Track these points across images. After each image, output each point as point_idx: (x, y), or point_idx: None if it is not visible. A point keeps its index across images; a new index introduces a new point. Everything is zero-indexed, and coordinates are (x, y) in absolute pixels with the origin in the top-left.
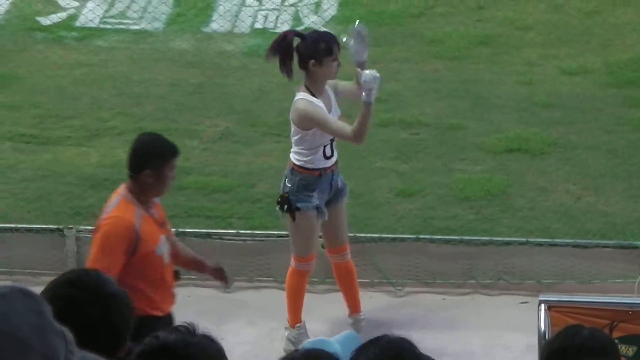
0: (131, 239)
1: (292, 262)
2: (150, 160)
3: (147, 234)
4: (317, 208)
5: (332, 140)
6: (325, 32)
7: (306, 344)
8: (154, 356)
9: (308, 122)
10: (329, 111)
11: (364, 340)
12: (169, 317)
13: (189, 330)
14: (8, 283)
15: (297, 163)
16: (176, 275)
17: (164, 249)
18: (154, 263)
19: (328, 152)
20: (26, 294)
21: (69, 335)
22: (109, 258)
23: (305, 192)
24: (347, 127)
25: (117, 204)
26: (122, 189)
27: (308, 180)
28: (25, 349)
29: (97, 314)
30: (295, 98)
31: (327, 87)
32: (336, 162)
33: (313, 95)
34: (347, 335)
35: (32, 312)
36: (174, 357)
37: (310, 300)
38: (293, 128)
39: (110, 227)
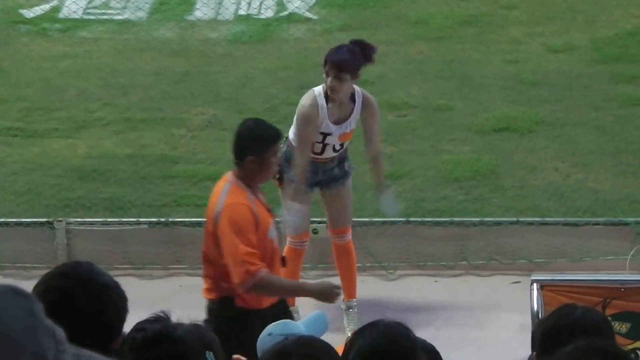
0: (253, 221)
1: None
2: (253, 147)
3: (261, 217)
4: (312, 186)
5: (325, 144)
6: (331, 49)
7: (270, 327)
8: (148, 348)
9: (296, 114)
10: (336, 120)
11: (328, 320)
12: (276, 307)
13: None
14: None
15: (290, 136)
16: (283, 262)
17: (274, 233)
18: (266, 246)
19: (317, 149)
20: (18, 293)
21: (60, 334)
22: (247, 239)
23: (288, 165)
24: (297, 163)
25: (228, 191)
26: (229, 176)
27: (292, 156)
28: (16, 349)
29: (90, 304)
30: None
31: (358, 102)
32: (333, 158)
33: (326, 97)
34: (315, 316)
35: (23, 312)
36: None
37: None
38: None
39: (232, 213)
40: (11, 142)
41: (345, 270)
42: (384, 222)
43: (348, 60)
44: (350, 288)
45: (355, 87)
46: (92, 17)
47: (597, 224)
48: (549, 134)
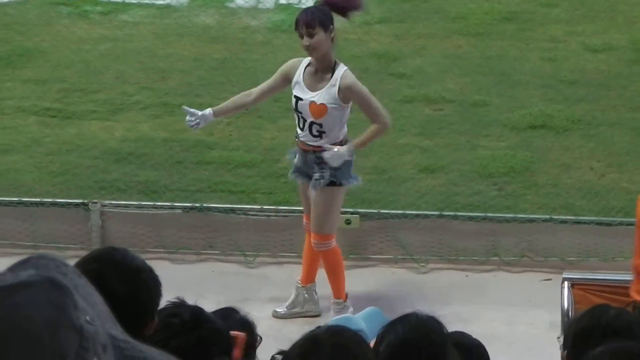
0: None
1: None
2: None
3: None
4: (293, 175)
5: (299, 113)
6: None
7: (331, 321)
8: (191, 331)
9: None
10: (308, 85)
11: (388, 316)
12: None
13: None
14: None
15: None
16: None
17: None
18: None
19: (297, 122)
20: (54, 284)
21: (89, 330)
22: None
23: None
24: (251, 91)
25: None
26: None
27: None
28: (31, 342)
29: (124, 287)
30: None
31: (335, 76)
32: (314, 150)
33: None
34: (371, 311)
35: (51, 305)
36: (210, 324)
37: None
38: None
39: None
40: (49, 123)
41: (328, 273)
42: (417, 215)
43: (315, 14)
44: (334, 289)
45: (341, 64)
46: (133, 1)
47: (630, 224)
48: (584, 133)
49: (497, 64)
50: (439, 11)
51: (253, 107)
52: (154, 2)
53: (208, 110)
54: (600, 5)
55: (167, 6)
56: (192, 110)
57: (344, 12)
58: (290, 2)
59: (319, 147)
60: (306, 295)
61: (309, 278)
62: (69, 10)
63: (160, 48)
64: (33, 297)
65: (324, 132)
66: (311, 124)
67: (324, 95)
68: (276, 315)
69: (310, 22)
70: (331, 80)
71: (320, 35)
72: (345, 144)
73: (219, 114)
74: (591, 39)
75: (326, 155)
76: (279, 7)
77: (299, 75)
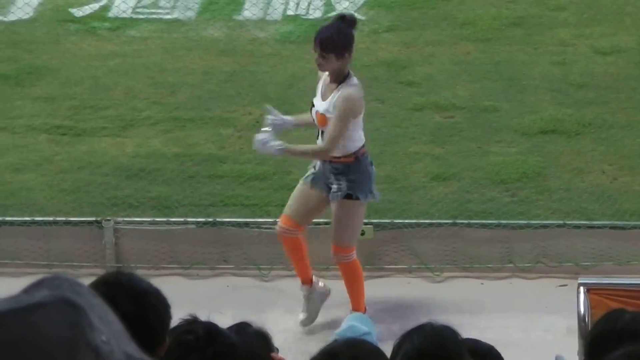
0: None
1: None
2: None
3: None
4: (311, 180)
5: (311, 113)
6: (321, 26)
7: (339, 332)
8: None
9: None
10: (321, 94)
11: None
12: None
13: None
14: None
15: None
16: None
17: None
18: None
19: (316, 131)
20: (69, 304)
21: (105, 350)
22: None
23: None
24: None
25: None
26: None
27: None
28: None
29: (132, 309)
30: None
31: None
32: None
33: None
34: (358, 316)
35: (67, 325)
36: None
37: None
38: None
39: None
40: (60, 141)
41: (347, 285)
42: (430, 224)
43: (330, 40)
44: (353, 300)
45: (352, 77)
46: (141, 16)
47: None
48: (595, 137)
49: (506, 69)
50: (447, 18)
51: None
52: (161, 17)
53: (290, 118)
54: (608, 8)
55: (175, 20)
56: (275, 110)
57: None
58: (298, 13)
59: (334, 157)
60: (312, 292)
61: (307, 277)
62: (77, 27)
63: (169, 62)
64: (49, 317)
65: None
66: (322, 132)
67: (327, 105)
68: (304, 324)
69: (324, 46)
70: (335, 90)
71: (330, 59)
72: (360, 157)
73: (298, 124)
74: (600, 41)
75: (255, 138)
76: (287, 19)
77: (319, 84)
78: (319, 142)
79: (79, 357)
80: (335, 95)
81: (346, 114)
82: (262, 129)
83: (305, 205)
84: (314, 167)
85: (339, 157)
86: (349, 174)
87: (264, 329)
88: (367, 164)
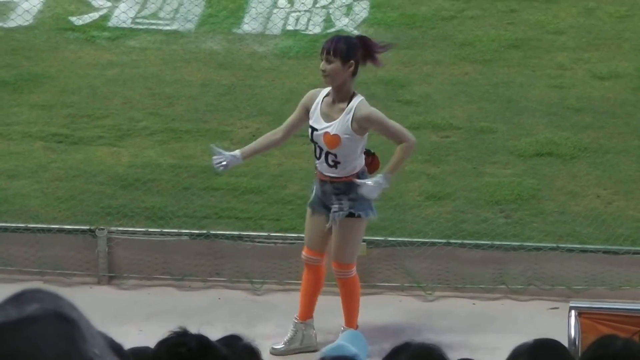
0: None
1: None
2: None
3: None
4: (311, 205)
5: (315, 143)
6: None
7: (326, 350)
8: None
9: None
10: (324, 115)
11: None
12: None
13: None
14: (40, 284)
15: None
16: None
17: None
18: None
19: (315, 152)
20: (60, 317)
21: None
22: None
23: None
24: (278, 129)
25: None
26: None
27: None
28: None
29: None
30: None
31: (350, 106)
32: (332, 181)
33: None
34: (351, 334)
35: (61, 338)
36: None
37: (335, 302)
38: None
39: None
40: (56, 148)
41: (343, 300)
42: (424, 243)
43: (338, 44)
44: (347, 316)
45: (358, 94)
46: (140, 27)
47: (637, 252)
48: (591, 161)
49: (503, 91)
50: (446, 38)
51: (281, 145)
52: (161, 28)
53: (237, 152)
54: (606, 33)
55: (175, 32)
56: (220, 149)
57: (373, 54)
58: (298, 28)
59: (336, 177)
60: (305, 331)
61: (307, 314)
62: (76, 36)
63: (167, 74)
64: (43, 330)
65: (339, 163)
66: (327, 154)
67: (338, 126)
68: (274, 353)
69: (330, 50)
70: (346, 110)
71: (336, 64)
72: (360, 176)
73: (247, 156)
74: (597, 66)
75: (364, 191)
76: (287, 34)
77: (316, 106)
78: (321, 163)
79: None
80: (350, 114)
81: (382, 116)
82: (217, 166)
83: (316, 232)
84: (312, 190)
85: (341, 177)
86: (349, 192)
87: (254, 344)
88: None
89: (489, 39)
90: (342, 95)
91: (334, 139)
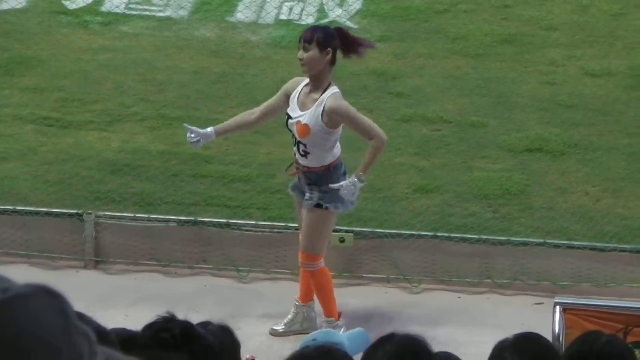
0: None
1: None
2: None
3: None
4: (291, 188)
5: (290, 131)
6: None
7: (315, 333)
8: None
9: None
10: (300, 105)
11: (374, 337)
12: None
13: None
14: (27, 267)
15: None
16: None
17: None
18: None
19: (293, 141)
20: (49, 293)
21: (92, 336)
22: None
23: None
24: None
25: None
26: None
27: None
28: (53, 351)
29: None
30: None
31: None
32: (303, 169)
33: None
34: (358, 332)
35: (56, 312)
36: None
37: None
38: None
39: None
40: (46, 132)
41: (316, 293)
42: (411, 235)
43: (315, 32)
44: (324, 308)
45: (333, 87)
46: (133, 12)
47: (623, 250)
48: (581, 158)
49: (495, 85)
50: (439, 31)
51: (256, 127)
52: (154, 14)
53: (210, 129)
54: (599, 31)
55: (168, 18)
56: (193, 128)
57: (351, 47)
58: (291, 18)
59: (307, 167)
60: (305, 313)
61: (308, 296)
62: (69, 20)
63: (159, 60)
64: (38, 307)
65: (309, 153)
66: (298, 142)
67: (309, 116)
68: (274, 333)
69: (307, 38)
70: (318, 101)
71: (314, 52)
72: (332, 169)
73: (220, 133)
74: (590, 63)
75: (342, 192)
76: (279, 23)
77: (295, 94)
78: (295, 150)
79: (76, 342)
80: (321, 106)
81: (352, 111)
82: (192, 144)
83: (301, 217)
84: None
85: (312, 167)
86: (321, 184)
87: (224, 323)
88: (339, 175)
89: (482, 34)
90: (317, 85)
91: (304, 128)
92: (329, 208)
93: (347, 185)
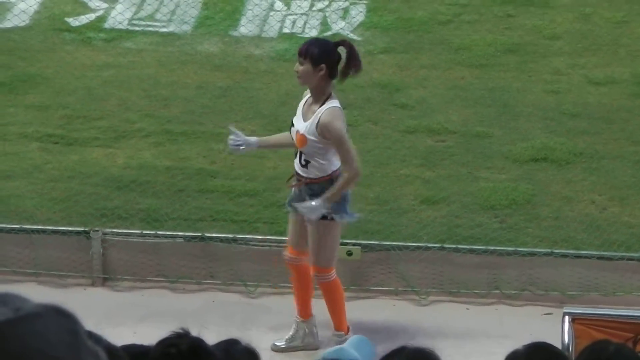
0: None
1: None
2: None
3: None
4: (289, 202)
5: (292, 140)
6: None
7: (325, 353)
8: None
9: None
10: (302, 115)
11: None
12: None
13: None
14: (35, 286)
15: None
16: None
17: None
18: None
19: (295, 151)
20: (60, 312)
21: (103, 355)
22: None
23: None
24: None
25: None
26: None
27: None
28: None
29: None
30: None
31: (319, 110)
32: (300, 175)
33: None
34: (358, 340)
35: (66, 332)
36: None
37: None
38: None
39: None
40: (51, 149)
41: (327, 305)
42: (418, 247)
43: (310, 47)
44: (334, 320)
45: (333, 100)
46: (137, 28)
47: (631, 259)
48: (586, 166)
49: (499, 95)
50: (443, 42)
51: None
52: (157, 29)
53: (254, 138)
54: (603, 39)
55: (171, 34)
56: (239, 132)
57: (353, 63)
58: (294, 31)
59: (308, 178)
60: (306, 329)
61: (306, 312)
62: (72, 37)
63: (163, 76)
64: (50, 325)
65: (309, 162)
66: (300, 153)
67: (307, 126)
68: (275, 349)
69: (302, 52)
70: (316, 112)
71: (307, 67)
72: (334, 179)
73: (263, 145)
74: (594, 72)
75: (301, 209)
76: (283, 37)
77: (301, 103)
78: (296, 161)
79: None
80: (317, 118)
81: (341, 132)
82: (233, 148)
83: (296, 231)
84: (292, 190)
85: (313, 178)
86: (317, 194)
87: (253, 347)
88: None
89: (485, 44)
90: (316, 97)
91: (302, 138)
92: (334, 218)
93: (313, 204)
